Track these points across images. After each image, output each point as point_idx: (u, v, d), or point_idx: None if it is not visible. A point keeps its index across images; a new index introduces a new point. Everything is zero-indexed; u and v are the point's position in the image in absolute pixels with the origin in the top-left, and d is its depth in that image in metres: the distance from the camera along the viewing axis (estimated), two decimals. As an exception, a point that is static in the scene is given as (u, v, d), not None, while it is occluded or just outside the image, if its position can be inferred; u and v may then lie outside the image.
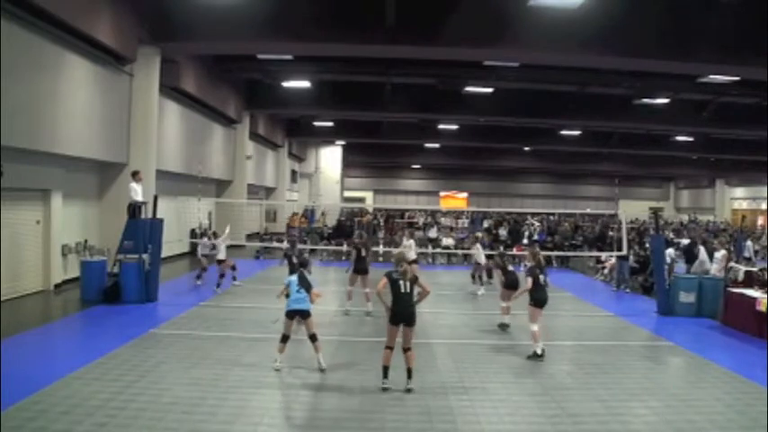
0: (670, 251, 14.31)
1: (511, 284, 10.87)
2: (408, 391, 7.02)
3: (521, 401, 7.12)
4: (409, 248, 14.39)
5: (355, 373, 7.95)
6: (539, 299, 8.88)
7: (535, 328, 8.77)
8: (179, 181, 19.29)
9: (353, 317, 11.70)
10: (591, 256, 20.92)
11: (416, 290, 7.36)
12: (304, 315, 7.81)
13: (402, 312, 7.14)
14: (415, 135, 32.25)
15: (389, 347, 7.22)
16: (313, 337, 7.82)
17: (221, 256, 13.99)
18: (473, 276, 15.49)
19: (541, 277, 8.93)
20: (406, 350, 7.15)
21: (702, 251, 14.75)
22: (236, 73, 21.38)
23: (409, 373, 7.13)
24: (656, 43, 13.51)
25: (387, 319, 7.29)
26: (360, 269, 11.93)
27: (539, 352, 8.70)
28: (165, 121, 17.60)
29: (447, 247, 21.84)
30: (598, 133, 30.66)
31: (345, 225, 24.92)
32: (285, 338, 7.80)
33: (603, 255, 18.88)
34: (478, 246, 15.58)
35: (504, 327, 10.74)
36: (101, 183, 15.11)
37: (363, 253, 12.08)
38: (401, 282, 7.18)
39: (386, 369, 7.23)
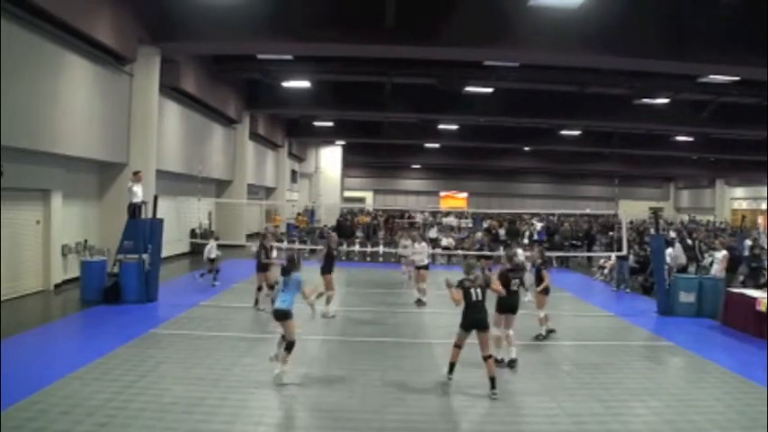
0: (670, 251, 14.31)
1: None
2: (494, 398, 6.99)
3: (521, 401, 7.12)
4: (422, 253, 13.57)
5: (356, 372, 7.95)
6: (503, 303, 8.44)
7: (497, 332, 8.30)
8: (179, 181, 19.29)
9: (353, 317, 11.73)
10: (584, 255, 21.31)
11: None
12: (278, 316, 7.31)
13: (474, 318, 7.24)
14: (415, 135, 32.25)
15: (458, 346, 7.43)
16: (288, 345, 7.23)
17: (212, 255, 14.75)
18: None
19: (515, 282, 8.57)
20: (485, 358, 7.19)
21: (678, 246, 14.85)
22: (236, 73, 21.35)
23: (492, 381, 7.10)
24: (656, 43, 13.50)
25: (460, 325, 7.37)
26: (328, 269, 11.57)
27: (513, 356, 8.31)
28: (165, 121, 17.59)
29: (447, 248, 21.81)
30: (598, 133, 30.64)
31: (345, 225, 24.91)
32: (285, 338, 7.36)
33: (596, 254, 18.99)
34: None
35: (549, 334, 10.24)
36: (101, 183, 15.10)
37: (334, 253, 11.86)
38: (472, 290, 7.31)
39: (452, 365, 7.48)
